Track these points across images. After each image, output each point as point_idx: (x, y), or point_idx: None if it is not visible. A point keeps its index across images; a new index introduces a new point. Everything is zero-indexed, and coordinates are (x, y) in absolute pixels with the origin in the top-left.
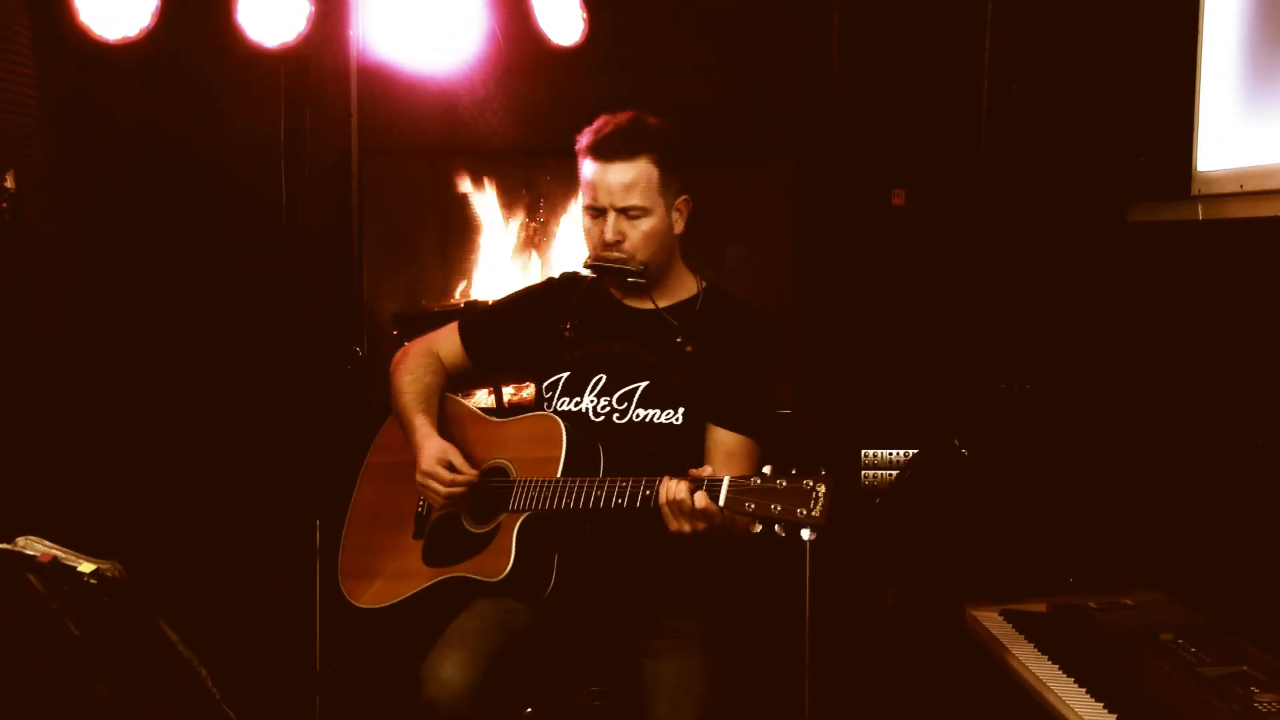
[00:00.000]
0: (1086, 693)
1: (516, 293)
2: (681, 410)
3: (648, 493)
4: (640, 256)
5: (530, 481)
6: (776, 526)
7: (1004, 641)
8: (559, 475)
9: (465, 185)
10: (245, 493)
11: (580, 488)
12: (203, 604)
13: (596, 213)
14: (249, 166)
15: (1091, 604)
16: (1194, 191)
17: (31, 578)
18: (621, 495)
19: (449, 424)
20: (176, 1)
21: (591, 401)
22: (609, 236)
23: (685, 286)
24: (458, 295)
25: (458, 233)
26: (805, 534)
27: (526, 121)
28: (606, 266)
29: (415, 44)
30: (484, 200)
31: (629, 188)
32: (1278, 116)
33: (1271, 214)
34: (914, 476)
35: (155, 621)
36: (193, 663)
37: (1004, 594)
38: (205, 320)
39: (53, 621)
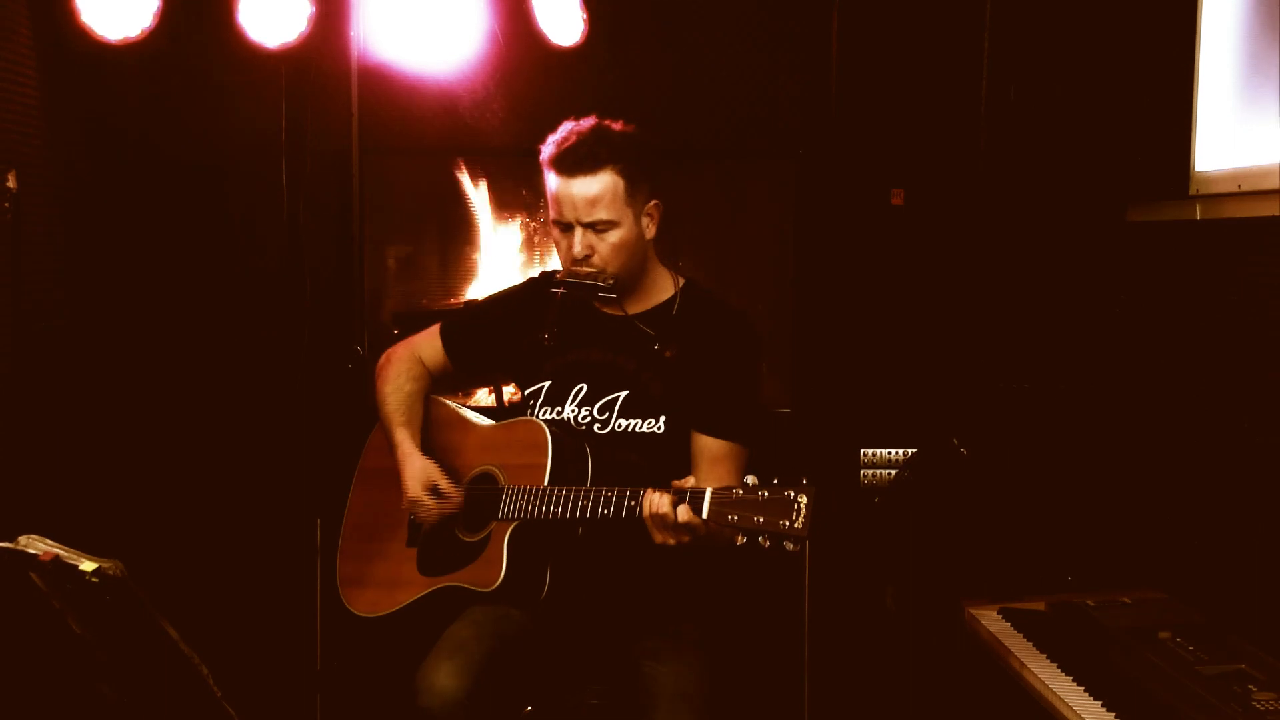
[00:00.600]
0: (1085, 691)
1: (495, 295)
2: (663, 419)
3: (632, 504)
4: (611, 268)
5: (518, 489)
6: (760, 538)
7: (1003, 640)
8: (546, 483)
9: (465, 185)
10: (246, 491)
11: (567, 496)
12: (204, 602)
13: (564, 227)
14: (250, 166)
15: (1090, 602)
16: (1192, 191)
17: (33, 576)
18: (607, 505)
19: (435, 428)
20: (178, 2)
21: (573, 411)
22: (578, 251)
23: (661, 289)
24: (463, 295)
25: (458, 232)
26: (789, 546)
27: (526, 121)
28: (576, 283)
29: (415, 44)
30: (484, 200)
31: (594, 202)
32: (1275, 116)
33: (1269, 213)
34: (913, 475)
35: (157, 620)
36: (194, 661)
37: (1003, 593)
38: (206, 320)
39: (54, 620)
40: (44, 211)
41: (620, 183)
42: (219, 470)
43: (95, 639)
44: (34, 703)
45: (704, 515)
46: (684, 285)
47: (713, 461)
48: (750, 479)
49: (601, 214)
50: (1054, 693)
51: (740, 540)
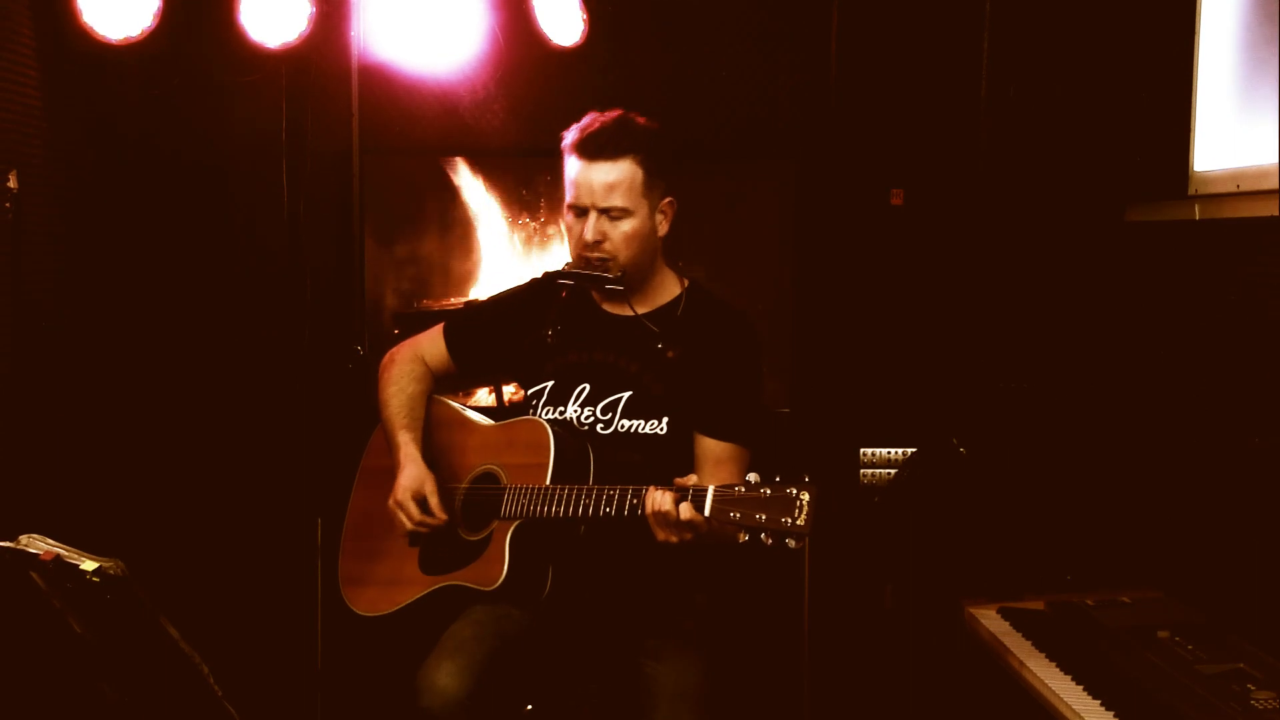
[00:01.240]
0: (1084, 690)
1: (498, 295)
2: (666, 420)
3: (634, 501)
4: (621, 258)
5: (520, 488)
6: (762, 535)
7: (1002, 639)
8: (548, 482)
9: (466, 185)
10: (247, 491)
11: (569, 495)
12: (204, 602)
13: (579, 212)
14: (251, 166)
15: (1089, 602)
16: (1191, 191)
17: (34, 575)
18: (609, 504)
19: (437, 428)
20: (179, 2)
21: (575, 411)
22: (590, 236)
23: (667, 289)
24: (463, 295)
25: (458, 232)
26: (790, 543)
27: (526, 121)
28: (584, 274)
29: (415, 44)
30: (484, 200)
31: (612, 188)
32: (1274, 116)
33: (1268, 213)
34: (912, 475)
35: (157, 619)
36: (194, 660)
37: (1002, 592)
38: (207, 319)
39: (55, 619)
40: (45, 211)
41: (639, 173)
42: (220, 470)
43: (96, 638)
44: (34, 703)
45: (706, 513)
46: (689, 286)
47: (716, 463)
48: (752, 476)
49: (618, 200)
50: (1053, 692)
51: (742, 538)
